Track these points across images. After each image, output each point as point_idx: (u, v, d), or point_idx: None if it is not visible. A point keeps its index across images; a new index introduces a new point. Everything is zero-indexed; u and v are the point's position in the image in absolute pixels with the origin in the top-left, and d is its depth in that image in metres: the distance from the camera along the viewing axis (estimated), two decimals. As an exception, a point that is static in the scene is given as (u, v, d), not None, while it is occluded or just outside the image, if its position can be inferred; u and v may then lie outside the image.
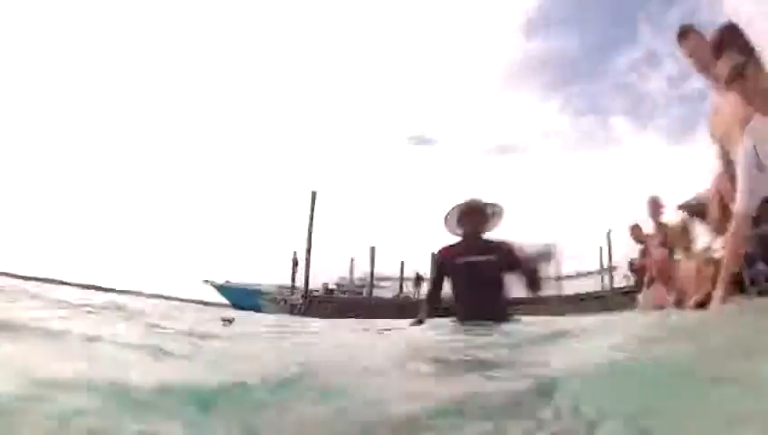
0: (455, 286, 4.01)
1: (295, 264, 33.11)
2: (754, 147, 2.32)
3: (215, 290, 36.97)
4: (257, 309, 31.39)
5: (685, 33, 2.89)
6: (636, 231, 8.18)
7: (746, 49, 2.27)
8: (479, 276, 3.83)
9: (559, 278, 27.81)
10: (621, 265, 24.49)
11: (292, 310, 30.54)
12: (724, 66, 2.34)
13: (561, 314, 24.65)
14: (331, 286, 35.47)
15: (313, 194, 32.99)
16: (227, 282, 36.29)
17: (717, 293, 3.10)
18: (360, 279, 37.34)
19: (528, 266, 3.92)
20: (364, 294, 34.48)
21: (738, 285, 3.81)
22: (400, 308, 30.40)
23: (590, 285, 27.68)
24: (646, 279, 6.38)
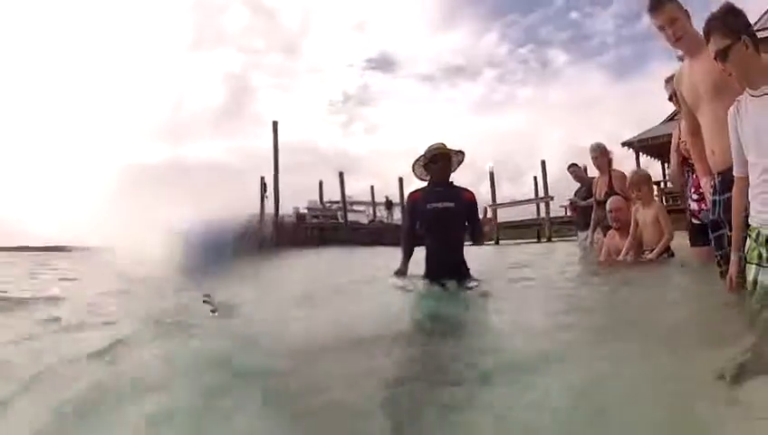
0: (425, 231, 4.29)
1: (264, 189, 31.44)
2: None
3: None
4: (231, 245, 31.27)
5: (660, 3, 2.99)
6: (576, 170, 8.05)
7: (733, 32, 2.44)
8: (445, 222, 4.22)
9: (496, 205, 28.92)
10: (556, 194, 25.27)
11: (263, 243, 28.91)
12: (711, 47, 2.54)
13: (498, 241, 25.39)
14: (302, 211, 34.15)
15: (275, 123, 32.31)
16: (190, 224, 35.51)
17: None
18: (330, 203, 36.17)
19: (478, 221, 4.40)
20: (339, 219, 33.35)
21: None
22: (376, 233, 30.52)
23: (525, 213, 28.58)
24: (592, 224, 6.66)
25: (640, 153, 23.70)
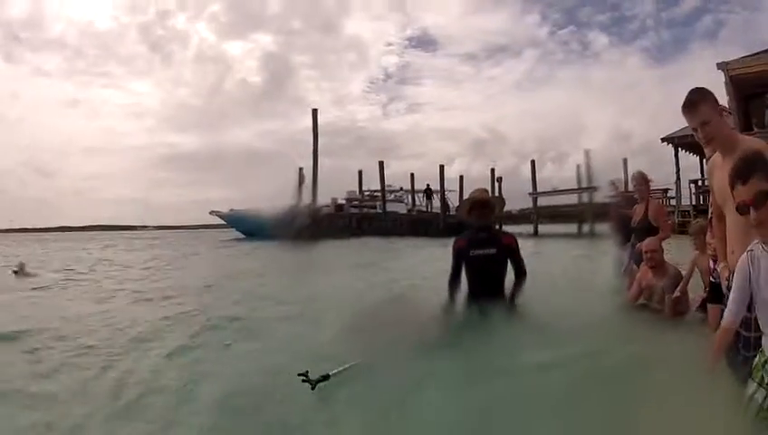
0: (466, 272, 4.78)
1: (301, 180, 32.26)
2: None
3: (222, 221, 37.53)
4: (265, 235, 30.50)
5: (695, 103, 3.02)
6: (616, 184, 8.49)
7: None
8: (483, 267, 4.72)
9: (536, 194, 28.76)
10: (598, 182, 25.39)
11: (300, 232, 28.75)
12: (748, 191, 2.41)
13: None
14: (340, 201, 34.56)
15: (314, 111, 32.97)
16: (232, 210, 36.35)
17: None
18: (369, 192, 36.20)
19: (520, 260, 4.85)
20: (378, 209, 33.56)
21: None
22: (414, 224, 30.87)
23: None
24: (629, 250, 6.80)
25: (679, 149, 23.39)
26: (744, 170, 2.36)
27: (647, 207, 6.61)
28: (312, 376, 3.65)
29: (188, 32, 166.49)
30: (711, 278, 4.58)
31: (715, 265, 4.27)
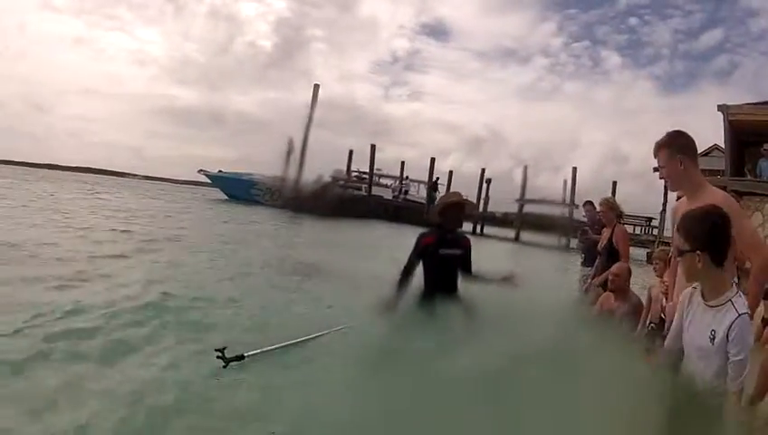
0: (426, 268, 4.94)
1: (289, 152, 32.71)
2: None
3: (209, 180, 37.76)
4: (251, 200, 32.64)
5: (658, 146, 3.37)
6: (589, 210, 8.51)
7: (694, 241, 2.59)
8: (449, 266, 4.96)
9: (522, 201, 29.89)
10: (587, 197, 26.36)
11: (284, 205, 30.05)
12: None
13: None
14: (326, 179, 33.99)
15: (316, 87, 33.47)
16: (220, 172, 36.80)
17: None
18: (358, 173, 36.57)
19: (471, 262, 5.08)
20: (363, 191, 34.11)
21: None
22: (398, 210, 31.35)
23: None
24: (593, 270, 7.15)
25: None
26: (680, 222, 2.65)
27: (612, 231, 6.95)
28: (229, 354, 4.00)
29: None
30: (662, 314, 4.98)
31: (666, 301, 4.56)
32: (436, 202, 5.69)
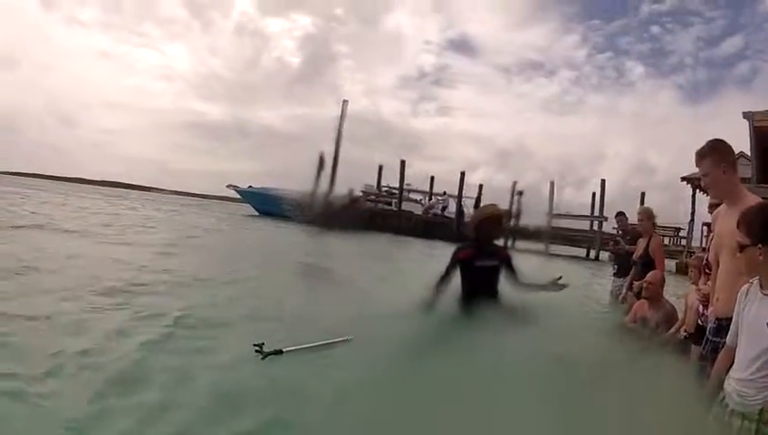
0: (464, 280, 5.01)
1: (321, 165, 33.45)
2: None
3: (238, 195, 39.00)
4: (281, 214, 32.93)
5: (701, 155, 3.47)
6: (621, 220, 8.90)
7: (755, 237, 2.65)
8: (484, 276, 5.00)
9: (552, 215, 29.96)
10: (615, 209, 26.53)
11: (314, 219, 30.40)
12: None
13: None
14: (356, 194, 35.06)
15: (344, 103, 34.65)
16: (250, 187, 37.62)
17: None
18: (388, 188, 36.97)
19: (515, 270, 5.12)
20: (393, 206, 34.51)
21: None
22: (428, 226, 31.62)
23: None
24: (629, 279, 7.23)
25: (697, 190, 24.14)
26: (741, 218, 2.71)
27: (648, 242, 7.00)
28: (267, 349, 4.22)
29: (231, 1, 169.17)
30: (699, 321, 4.88)
31: (704, 309, 4.58)
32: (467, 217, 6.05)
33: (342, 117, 33.84)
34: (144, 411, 3.35)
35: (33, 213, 17.91)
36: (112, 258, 9.33)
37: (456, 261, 4.99)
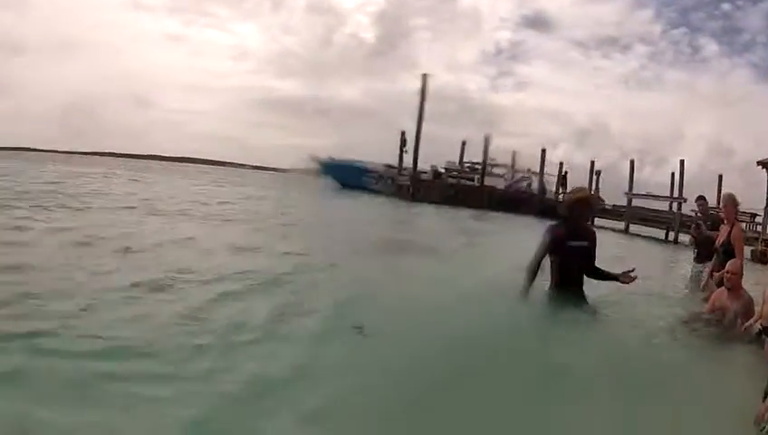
0: (554, 261, 5.24)
1: (403, 143, 34.22)
2: None
3: (320, 167, 38.46)
4: (362, 187, 33.76)
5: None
6: (702, 204, 9.16)
7: None
8: (576, 257, 5.22)
9: (631, 195, 29.90)
10: (694, 192, 26.11)
11: (399, 192, 31.80)
12: None
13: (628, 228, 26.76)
14: (440, 169, 35.67)
15: (424, 77, 34.59)
16: (331, 158, 37.60)
17: None
18: (471, 163, 37.09)
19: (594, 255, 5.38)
20: (475, 182, 34.65)
21: None
22: (510, 201, 31.75)
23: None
24: (710, 267, 7.29)
25: None
26: None
27: (731, 229, 6.88)
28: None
29: None
30: None
31: None
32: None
33: (423, 91, 33.86)
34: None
35: (132, 194, 18.46)
36: (229, 242, 9.30)
37: (549, 240, 5.20)
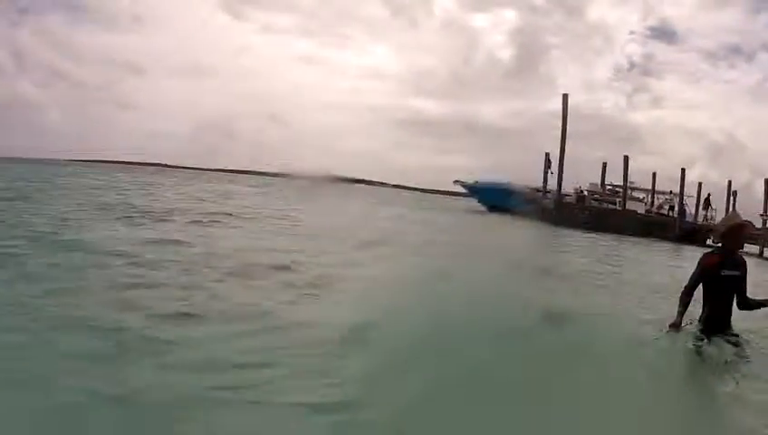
0: (707, 290, 5.19)
1: (548, 164, 35.55)
2: None
3: (465, 190, 41.60)
4: (507, 209, 33.71)
5: None
6: None
7: None
8: (728, 286, 5.14)
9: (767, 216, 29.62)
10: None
11: (543, 215, 31.94)
12: None
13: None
14: (582, 192, 36.18)
15: (564, 97, 35.48)
16: (477, 182, 39.99)
17: None
18: (612, 186, 37.38)
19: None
20: (616, 205, 34.90)
21: None
22: (649, 226, 32.26)
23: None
24: None
25: None
26: None
27: None
28: None
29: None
30: None
31: None
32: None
33: (564, 111, 34.53)
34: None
35: (288, 212, 18.59)
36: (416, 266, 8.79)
37: (704, 268, 5.16)
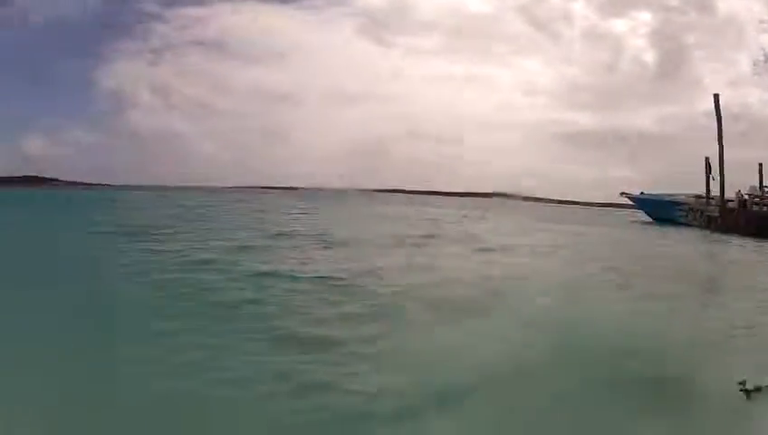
0: None
1: (709, 169, 34.59)
2: None
3: (631, 202, 42.76)
4: (673, 221, 35.97)
5: None
6: None
7: None
8: None
9: None
10: None
11: (709, 224, 32.68)
12: None
13: None
14: (744, 196, 34.09)
15: (716, 97, 34.90)
16: (642, 193, 40.85)
17: None
18: None
19: None
20: None
21: None
22: None
23: None
24: None
25: None
26: None
27: None
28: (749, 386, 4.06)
29: (569, 10, 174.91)
30: None
31: None
32: None
33: (718, 113, 33.60)
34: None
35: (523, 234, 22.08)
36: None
37: None
